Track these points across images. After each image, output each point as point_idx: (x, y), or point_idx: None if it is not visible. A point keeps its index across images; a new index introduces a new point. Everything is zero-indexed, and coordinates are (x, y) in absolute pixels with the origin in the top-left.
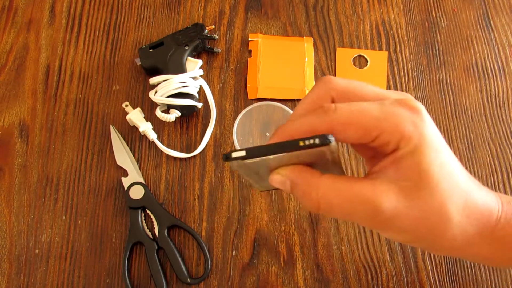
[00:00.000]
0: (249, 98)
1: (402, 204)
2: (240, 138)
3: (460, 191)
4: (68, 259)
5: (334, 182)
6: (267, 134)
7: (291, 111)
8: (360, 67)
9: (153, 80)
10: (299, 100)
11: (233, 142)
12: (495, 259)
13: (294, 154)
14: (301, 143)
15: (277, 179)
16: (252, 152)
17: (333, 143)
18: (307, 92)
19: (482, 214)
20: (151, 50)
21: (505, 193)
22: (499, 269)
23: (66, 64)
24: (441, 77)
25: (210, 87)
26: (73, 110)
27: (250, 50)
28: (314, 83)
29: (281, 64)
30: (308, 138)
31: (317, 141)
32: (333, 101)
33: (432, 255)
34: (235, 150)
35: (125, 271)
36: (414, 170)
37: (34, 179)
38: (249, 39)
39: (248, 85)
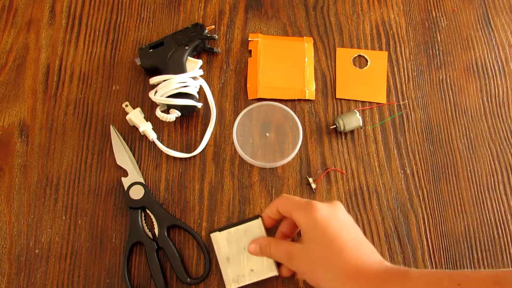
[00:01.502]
0: (249, 98)
1: (301, 250)
2: (240, 138)
3: (336, 245)
4: (68, 259)
5: (276, 243)
6: (267, 134)
7: (291, 111)
8: (360, 67)
9: (153, 80)
10: (299, 100)
11: (233, 142)
12: None
13: (246, 226)
14: (246, 219)
15: (251, 246)
16: (222, 228)
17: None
18: (307, 92)
19: (355, 265)
20: (151, 50)
21: (505, 193)
22: (499, 269)
23: (66, 64)
24: (441, 77)
25: (210, 87)
26: (73, 110)
27: (250, 50)
28: (314, 83)
29: (281, 64)
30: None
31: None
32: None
33: (432, 255)
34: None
35: (125, 271)
36: (307, 232)
37: (34, 179)
38: (249, 39)
39: (248, 85)
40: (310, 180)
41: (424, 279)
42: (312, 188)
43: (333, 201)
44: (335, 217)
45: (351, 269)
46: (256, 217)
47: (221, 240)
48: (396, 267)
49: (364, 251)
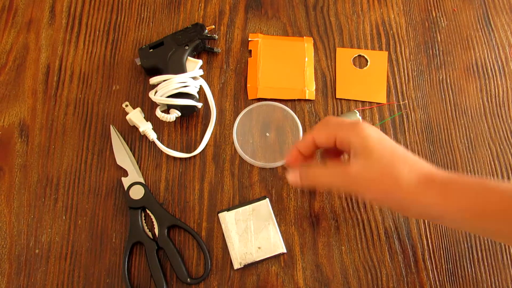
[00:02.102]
0: (249, 98)
1: (361, 168)
2: (240, 138)
3: (398, 155)
4: (68, 259)
5: (324, 167)
6: (267, 134)
7: (291, 111)
8: (360, 67)
9: (153, 80)
10: (299, 100)
11: (233, 142)
12: (446, 210)
13: (253, 206)
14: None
15: (291, 177)
16: (230, 208)
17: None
18: (307, 92)
19: (422, 169)
20: (151, 50)
21: None
22: (499, 269)
23: (66, 64)
24: (441, 77)
25: (210, 87)
26: (73, 110)
27: (250, 50)
28: (314, 83)
29: (281, 64)
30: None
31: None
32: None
33: (432, 255)
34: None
35: (125, 271)
36: (364, 150)
37: (34, 179)
38: (249, 39)
39: (248, 85)
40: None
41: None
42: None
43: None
44: (383, 135)
45: (425, 173)
46: (263, 197)
47: (228, 219)
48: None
49: (424, 163)
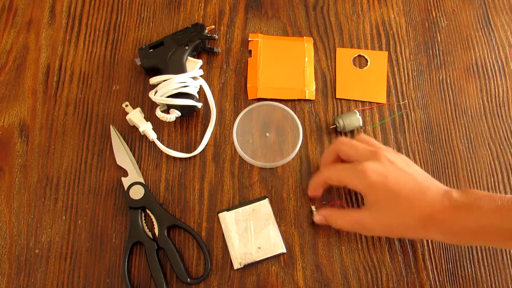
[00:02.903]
0: (249, 98)
1: (372, 219)
2: (240, 138)
3: (400, 202)
4: (68, 259)
5: (343, 213)
6: (267, 134)
7: (291, 111)
8: (360, 67)
9: (153, 80)
10: (299, 100)
11: (233, 142)
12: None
13: (253, 206)
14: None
15: (317, 218)
16: (230, 208)
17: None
18: (307, 92)
19: (422, 211)
20: (151, 50)
21: (505, 193)
22: (499, 269)
23: (66, 64)
24: (441, 77)
25: (210, 87)
26: (73, 110)
27: (250, 50)
28: (314, 83)
29: (281, 64)
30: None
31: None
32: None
33: (432, 255)
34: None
35: (125, 271)
36: (371, 202)
37: (34, 179)
38: (249, 39)
39: (248, 85)
40: (313, 207)
41: (493, 204)
42: (312, 214)
43: (377, 152)
44: (390, 171)
45: (425, 215)
46: (263, 197)
47: (229, 219)
48: (463, 197)
49: (429, 194)
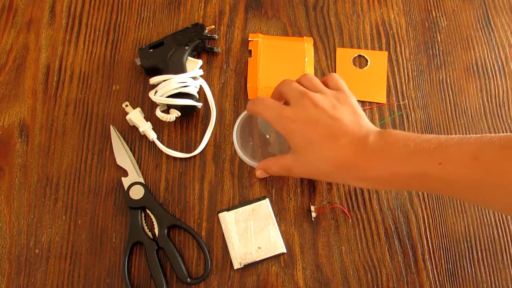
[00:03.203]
0: (249, 98)
1: (295, 163)
2: (240, 140)
3: (313, 152)
4: (68, 259)
5: (275, 160)
6: (267, 137)
7: None
8: (360, 67)
9: (153, 80)
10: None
11: (233, 143)
12: (382, 176)
13: (253, 206)
14: None
15: (258, 172)
16: (230, 208)
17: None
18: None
19: (335, 158)
20: (151, 50)
21: None
22: (499, 269)
23: (66, 64)
24: (441, 77)
25: (210, 87)
26: (73, 110)
27: (250, 50)
28: None
29: (281, 64)
30: None
31: None
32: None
33: (432, 255)
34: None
35: (125, 271)
36: (294, 148)
37: (34, 179)
38: (249, 39)
39: (248, 85)
40: (312, 208)
41: (405, 150)
42: (311, 215)
43: (305, 96)
44: (309, 118)
45: (338, 162)
46: (263, 197)
47: (228, 219)
48: (379, 143)
49: (344, 140)
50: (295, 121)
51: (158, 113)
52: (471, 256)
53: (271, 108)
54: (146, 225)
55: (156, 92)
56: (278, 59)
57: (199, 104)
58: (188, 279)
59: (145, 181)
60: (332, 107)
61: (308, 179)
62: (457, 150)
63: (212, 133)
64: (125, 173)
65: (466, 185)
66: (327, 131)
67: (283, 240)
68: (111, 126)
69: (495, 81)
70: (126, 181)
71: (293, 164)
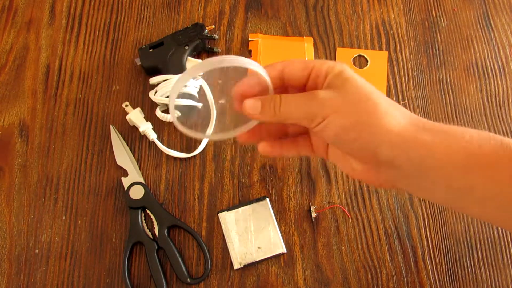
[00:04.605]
0: None
1: (332, 93)
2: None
3: (384, 96)
4: (68, 259)
5: (292, 97)
6: (222, 102)
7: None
8: (360, 67)
9: (153, 80)
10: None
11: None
12: (437, 151)
13: (253, 206)
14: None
15: (249, 103)
16: (230, 208)
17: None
18: None
19: (405, 112)
20: (151, 50)
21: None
22: (499, 269)
23: (66, 64)
24: (441, 77)
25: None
26: (73, 110)
27: (250, 50)
28: None
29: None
30: None
31: None
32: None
33: (432, 255)
34: None
35: (125, 271)
36: (339, 78)
37: (34, 179)
38: (249, 39)
39: None
40: (312, 208)
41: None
42: (311, 215)
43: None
44: (361, 78)
45: (386, 128)
46: (263, 197)
47: (228, 219)
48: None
49: (398, 113)
50: (349, 70)
51: (158, 113)
52: (471, 256)
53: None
54: (146, 225)
55: (156, 92)
56: (278, 59)
57: (199, 104)
58: (188, 279)
59: (145, 181)
60: None
61: (308, 179)
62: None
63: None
64: (125, 173)
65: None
66: (385, 97)
67: (283, 240)
68: (111, 126)
69: (495, 81)
70: (126, 181)
71: (331, 98)
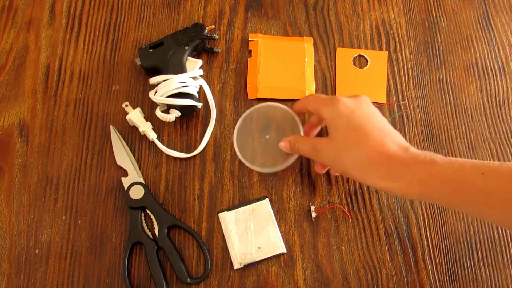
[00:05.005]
0: (249, 98)
1: (327, 145)
2: (239, 141)
3: (359, 133)
4: (68, 259)
5: (305, 139)
6: (267, 137)
7: (291, 111)
8: (360, 67)
9: (153, 80)
10: (299, 100)
11: (232, 143)
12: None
13: (253, 206)
14: None
15: (282, 144)
16: (230, 207)
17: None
18: (307, 92)
19: (375, 148)
20: (151, 50)
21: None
22: (499, 269)
23: (66, 64)
24: (441, 77)
25: (210, 87)
26: (73, 110)
27: (250, 50)
28: (314, 83)
29: (281, 64)
30: None
31: None
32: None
33: (432, 255)
34: None
35: (125, 271)
36: (332, 128)
37: (34, 179)
38: (249, 39)
39: (248, 85)
40: (312, 208)
41: (450, 165)
42: (311, 215)
43: (358, 95)
44: (359, 108)
45: (375, 154)
46: (263, 197)
47: (228, 219)
48: (422, 153)
49: (389, 138)
50: (346, 107)
51: (158, 113)
52: (471, 256)
53: (326, 98)
54: (146, 225)
55: (156, 92)
56: (278, 59)
57: (199, 104)
58: (188, 279)
59: (145, 181)
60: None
61: (308, 179)
62: (501, 165)
63: (212, 133)
64: (125, 173)
65: (505, 199)
66: (375, 125)
67: (283, 240)
68: (111, 126)
69: (495, 81)
70: (126, 181)
71: (324, 146)
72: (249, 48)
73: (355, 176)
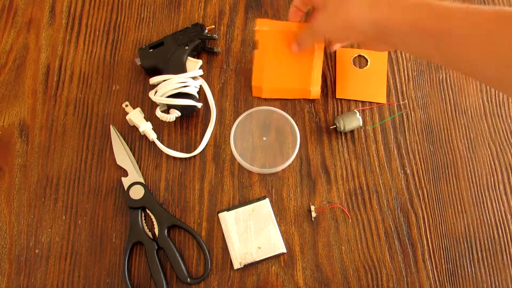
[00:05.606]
0: (254, 95)
1: (321, 16)
2: (237, 143)
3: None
4: (68, 259)
5: (303, 28)
6: (264, 139)
7: (288, 116)
8: (360, 67)
9: (153, 80)
10: (303, 99)
11: (231, 148)
12: (391, 23)
13: (253, 206)
14: None
15: (293, 47)
16: (230, 207)
17: None
18: (311, 91)
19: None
20: (151, 50)
21: (505, 193)
22: (499, 269)
23: (66, 64)
24: (441, 77)
25: (210, 87)
26: (73, 110)
27: (256, 42)
28: (320, 80)
29: (288, 59)
30: None
31: None
32: None
33: (432, 255)
34: None
35: (125, 271)
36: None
37: (34, 179)
38: (256, 27)
39: (253, 83)
40: (312, 208)
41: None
42: (311, 215)
43: None
44: None
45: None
46: (263, 197)
47: (228, 219)
48: None
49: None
50: None
51: (158, 113)
52: (471, 256)
53: None
54: (146, 225)
55: (156, 92)
56: (285, 53)
57: (199, 104)
58: (188, 279)
59: (145, 181)
60: None
61: (308, 179)
62: (452, 4)
63: (212, 133)
64: (125, 173)
65: (458, 42)
66: None
67: (283, 240)
68: (111, 126)
69: None
70: (126, 181)
71: (320, 19)
72: (255, 39)
73: (353, 19)
